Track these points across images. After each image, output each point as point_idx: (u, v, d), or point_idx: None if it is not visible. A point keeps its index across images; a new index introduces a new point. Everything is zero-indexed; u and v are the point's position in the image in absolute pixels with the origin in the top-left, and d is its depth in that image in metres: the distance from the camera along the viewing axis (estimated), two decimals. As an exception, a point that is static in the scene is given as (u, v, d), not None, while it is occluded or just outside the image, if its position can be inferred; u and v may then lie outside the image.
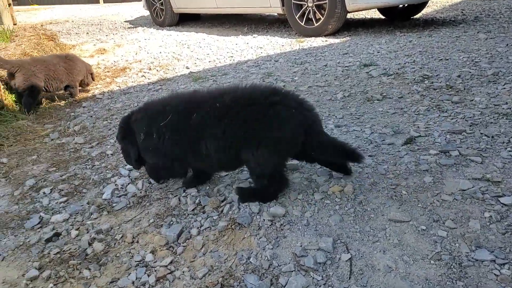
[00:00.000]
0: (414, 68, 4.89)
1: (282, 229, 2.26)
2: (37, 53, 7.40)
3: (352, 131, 3.43)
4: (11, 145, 4.31)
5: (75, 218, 2.74)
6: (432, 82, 4.29)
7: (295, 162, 2.88)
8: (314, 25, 8.17)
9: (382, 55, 5.95)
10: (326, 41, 7.68)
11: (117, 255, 2.32)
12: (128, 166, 3.33)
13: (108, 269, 2.22)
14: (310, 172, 2.83)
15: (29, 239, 2.58)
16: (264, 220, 2.33)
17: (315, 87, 4.77)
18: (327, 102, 4.19)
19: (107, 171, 3.36)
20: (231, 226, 2.36)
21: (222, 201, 2.63)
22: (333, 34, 8.22)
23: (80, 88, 5.94)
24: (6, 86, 5.29)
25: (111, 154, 3.69)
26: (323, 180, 2.67)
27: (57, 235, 2.59)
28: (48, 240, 2.54)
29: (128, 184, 3.04)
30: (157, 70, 6.89)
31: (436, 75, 4.51)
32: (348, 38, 7.76)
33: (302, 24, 8.35)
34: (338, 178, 2.68)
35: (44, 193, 3.15)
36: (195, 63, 7.07)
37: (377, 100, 4.05)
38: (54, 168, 3.57)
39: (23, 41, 8.31)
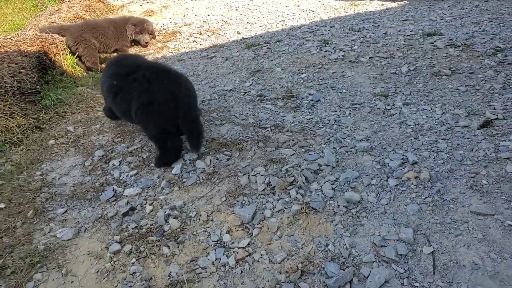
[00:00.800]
0: (484, 38, 4.62)
1: (358, 217, 2.27)
2: (89, 16, 7.49)
3: (422, 110, 3.33)
4: (75, 113, 4.48)
5: (147, 193, 2.85)
6: (506, 56, 4.05)
7: (365, 144, 2.84)
8: (370, -14, 7.77)
9: (447, 22, 5.63)
10: (382, 4, 7.32)
11: (194, 233, 2.42)
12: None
13: (186, 247, 2.33)
14: (381, 156, 2.79)
15: (106, 211, 2.72)
16: (338, 206, 2.35)
17: (377, 58, 4.61)
18: (391, 76, 4.05)
19: (173, 145, 3.43)
20: (305, 210, 2.39)
21: (291, 183, 2.65)
22: (390, -4, 7.80)
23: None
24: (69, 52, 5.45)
25: None
26: (397, 164, 2.64)
27: (132, 209, 2.72)
28: (124, 214, 2.67)
29: (196, 159, 3.10)
30: (208, 35, 6.84)
31: (510, 47, 4.24)
32: (406, 1, 7.38)
33: (357, -15, 7.98)
34: (412, 164, 2.64)
35: (113, 164, 3.27)
36: (246, 28, 6.96)
37: (446, 75, 3.88)
38: (120, 139, 3.69)
39: (75, 2, 8.41)
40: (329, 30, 6.13)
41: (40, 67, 4.86)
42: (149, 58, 6.15)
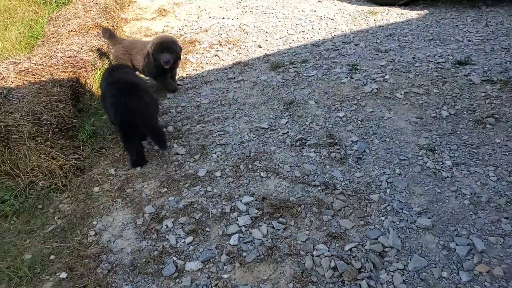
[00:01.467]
0: (520, 73, 4.45)
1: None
2: (107, 23, 7.13)
3: (474, 172, 3.23)
4: (111, 148, 4.30)
5: (209, 269, 2.76)
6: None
7: (425, 221, 2.75)
8: (388, -8, 7.49)
9: (475, 45, 5.44)
10: (402, 14, 7.06)
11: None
12: (244, 199, 3.29)
13: None
14: (445, 237, 2.70)
15: (172, 291, 2.62)
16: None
17: (412, 94, 4.45)
18: (432, 121, 3.92)
19: (223, 203, 3.32)
20: (381, 309, 2.31)
21: (359, 270, 2.56)
22: (407, 4, 7.53)
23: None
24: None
25: (220, 177, 3.62)
26: (465, 252, 2.55)
27: (198, 290, 2.62)
28: (191, 296, 2.57)
29: (251, 227, 2.99)
30: (229, 48, 6.58)
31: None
32: (426, 11, 7.12)
33: (374, -10, 7.68)
34: (480, 252, 2.55)
35: (167, 226, 3.16)
36: (266, 40, 6.70)
37: (490, 124, 3.76)
38: (166, 189, 3.56)
39: (91, 5, 7.99)
40: (354, 49, 5.91)
41: (74, 96, 4.63)
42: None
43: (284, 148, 3.93)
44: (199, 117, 4.64)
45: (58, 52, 5.22)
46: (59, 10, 7.99)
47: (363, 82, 4.89)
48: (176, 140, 4.27)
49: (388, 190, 3.28)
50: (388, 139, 3.90)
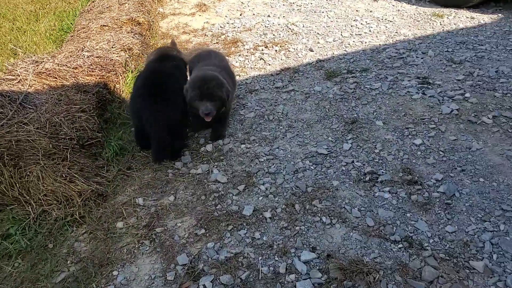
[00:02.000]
0: None
1: None
2: (143, 18, 6.45)
3: None
4: (140, 169, 3.60)
5: None
6: None
7: None
8: (455, -7, 6.49)
9: None
10: (472, 18, 6.07)
11: None
12: (304, 256, 2.50)
13: None
14: None
15: None
16: None
17: (503, 119, 3.66)
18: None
19: (276, 258, 2.56)
20: None
21: None
22: (477, 6, 6.51)
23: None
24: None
25: (270, 219, 2.84)
26: None
27: None
28: None
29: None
30: (276, 51, 5.78)
31: None
32: (500, 15, 6.11)
33: (439, -11, 6.70)
34: None
35: (204, 286, 2.39)
36: (318, 43, 5.85)
37: None
38: (204, 230, 2.82)
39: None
40: (422, 58, 4.99)
41: (100, 104, 3.94)
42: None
43: (349, 183, 3.11)
44: (243, 135, 3.88)
45: (86, 51, 4.56)
46: (93, 1, 7.39)
47: (438, 100, 4.00)
48: (216, 164, 3.53)
49: (495, 256, 2.43)
50: (481, 179, 3.02)
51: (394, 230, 2.66)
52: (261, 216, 2.90)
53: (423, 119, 3.76)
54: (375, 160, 3.31)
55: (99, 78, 4.11)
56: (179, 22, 7.53)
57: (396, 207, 2.82)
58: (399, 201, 2.88)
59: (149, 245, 2.80)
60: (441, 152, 3.30)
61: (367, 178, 3.11)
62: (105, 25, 6.02)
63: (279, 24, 6.84)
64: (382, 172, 3.15)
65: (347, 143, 3.58)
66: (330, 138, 3.70)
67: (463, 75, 4.42)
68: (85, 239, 2.92)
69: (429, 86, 4.27)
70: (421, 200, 2.85)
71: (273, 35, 6.42)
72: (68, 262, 2.73)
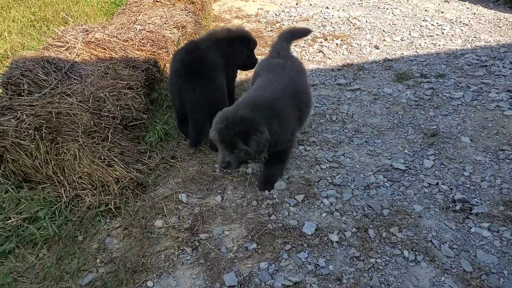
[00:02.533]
0: None
1: None
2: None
3: None
4: (185, 159, 3.10)
5: None
6: None
7: None
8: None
9: None
10: None
11: None
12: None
13: None
14: None
15: None
16: None
17: None
18: None
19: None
20: None
21: None
22: None
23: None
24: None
25: (337, 243, 2.28)
26: None
27: None
28: None
29: None
30: (337, 45, 5.16)
31: None
32: None
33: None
34: None
35: None
36: (384, 40, 5.19)
37: None
38: (256, 245, 2.31)
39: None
40: (511, 68, 4.23)
41: (148, 82, 3.45)
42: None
43: (435, 210, 2.50)
44: (301, 135, 3.32)
45: (138, 24, 4.09)
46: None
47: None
48: (271, 165, 2.97)
49: None
50: None
51: (501, 283, 2.03)
52: (325, 238, 2.34)
53: (520, 141, 3.07)
54: (466, 185, 2.68)
55: (150, 54, 3.63)
56: (232, 6, 7.01)
57: (500, 251, 2.20)
58: (504, 243, 2.25)
59: (191, 254, 2.30)
60: (549, 186, 2.62)
61: (458, 207, 2.50)
62: (158, 1, 5.55)
63: (339, 17, 6.20)
64: (477, 202, 2.53)
65: (428, 159, 2.95)
66: (406, 151, 3.08)
67: None
68: (119, 234, 2.45)
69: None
70: (531, 245, 2.21)
71: (333, 27, 5.80)
72: (98, 260, 2.27)
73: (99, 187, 2.70)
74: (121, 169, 2.80)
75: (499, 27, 5.50)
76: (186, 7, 5.07)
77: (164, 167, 3.04)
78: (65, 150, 2.75)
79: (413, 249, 2.26)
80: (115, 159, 2.85)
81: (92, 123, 2.89)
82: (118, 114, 3.05)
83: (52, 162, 2.71)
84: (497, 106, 3.57)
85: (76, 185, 2.68)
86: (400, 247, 2.27)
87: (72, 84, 3.15)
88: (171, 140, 3.30)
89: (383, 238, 2.34)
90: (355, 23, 5.84)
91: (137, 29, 3.78)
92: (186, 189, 2.81)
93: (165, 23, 4.32)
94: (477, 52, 4.75)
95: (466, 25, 5.66)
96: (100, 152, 2.83)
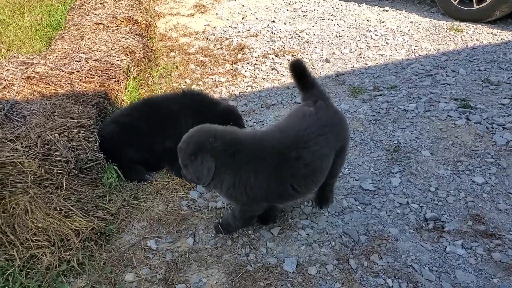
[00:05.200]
0: None
1: None
2: (142, 16, 5.71)
3: None
4: (148, 199, 2.91)
5: None
6: None
7: None
8: (473, 7, 6.06)
9: None
10: (494, 35, 5.67)
11: None
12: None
13: None
14: None
15: None
16: None
17: None
18: None
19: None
20: None
21: None
22: (494, 21, 6.10)
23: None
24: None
25: (321, 279, 2.22)
26: None
27: None
28: None
29: None
30: (288, 60, 5.15)
31: None
32: (523, 32, 5.66)
33: (455, 2, 6.24)
34: None
35: None
36: (334, 53, 5.29)
37: None
38: None
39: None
40: (453, 76, 4.50)
41: (100, 117, 3.22)
42: (222, 93, 4.52)
43: (410, 232, 2.53)
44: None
45: (82, 52, 3.81)
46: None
47: (487, 127, 3.47)
48: (241, 197, 2.85)
49: None
50: None
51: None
52: (307, 274, 2.27)
53: (476, 150, 3.22)
54: (434, 202, 2.74)
55: (99, 86, 3.40)
56: (178, 23, 6.84)
57: (476, 269, 2.25)
58: (478, 259, 2.30)
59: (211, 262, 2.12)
60: (510, 195, 2.74)
61: (430, 226, 2.54)
62: (100, 23, 5.27)
63: (286, 31, 6.24)
64: (447, 219, 2.59)
65: (395, 177, 3.00)
66: (372, 170, 3.10)
67: (506, 98, 3.89)
68: (86, 298, 2.21)
69: (471, 111, 3.75)
70: (506, 260, 2.27)
71: (282, 42, 5.82)
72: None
73: (57, 243, 2.45)
74: (80, 219, 2.57)
75: (436, 35, 5.79)
76: (131, 29, 4.84)
77: (126, 210, 2.83)
78: (13, 205, 2.47)
79: (396, 277, 2.24)
80: (73, 208, 2.61)
81: (42, 171, 2.62)
82: (71, 157, 2.80)
83: (0, 219, 2.41)
84: (448, 116, 3.71)
85: (30, 244, 2.41)
86: (383, 276, 2.25)
87: (14, 127, 2.85)
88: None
89: (365, 268, 2.31)
90: (303, 37, 5.89)
91: (83, 59, 3.50)
92: (154, 234, 2.63)
93: (111, 49, 4.08)
94: (421, 61, 4.95)
95: (407, 34, 5.90)
96: (55, 203, 2.58)
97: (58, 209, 2.55)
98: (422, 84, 4.41)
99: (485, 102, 3.94)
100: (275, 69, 4.96)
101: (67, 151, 2.81)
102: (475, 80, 4.41)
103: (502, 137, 3.37)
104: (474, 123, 3.61)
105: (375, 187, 2.92)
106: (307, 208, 2.77)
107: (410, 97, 4.14)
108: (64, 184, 2.67)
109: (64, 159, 2.78)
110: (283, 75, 4.81)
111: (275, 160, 2.08)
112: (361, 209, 2.74)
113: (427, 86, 4.36)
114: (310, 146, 2.10)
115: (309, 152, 2.11)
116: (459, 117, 3.70)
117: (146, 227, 2.69)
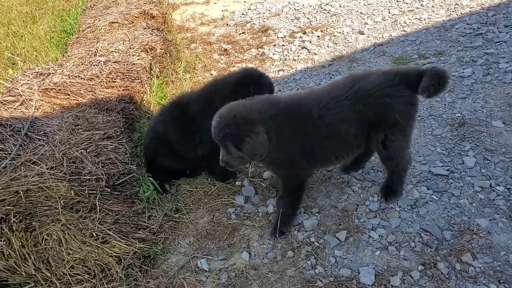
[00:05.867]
0: None
1: None
2: (156, 10, 5.29)
3: None
4: (191, 209, 2.54)
5: None
6: None
7: None
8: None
9: None
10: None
11: None
12: None
13: None
14: None
15: None
16: None
17: None
18: None
19: None
20: None
21: None
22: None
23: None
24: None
25: None
26: None
27: None
28: None
29: None
30: (318, 37, 4.66)
31: None
32: None
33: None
34: None
35: None
36: (365, 23, 4.75)
37: None
38: None
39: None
40: (508, 32, 3.94)
41: (128, 124, 2.86)
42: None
43: (503, 221, 2.07)
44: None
45: (100, 55, 3.45)
46: (96, -4, 6.22)
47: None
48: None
49: None
50: None
51: None
52: (390, 285, 1.83)
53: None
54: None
55: (123, 90, 3.03)
56: (194, 12, 6.39)
57: None
58: None
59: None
60: None
61: None
62: (115, 22, 4.90)
63: (310, 6, 5.69)
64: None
65: (468, 155, 2.50)
66: (439, 150, 2.63)
67: None
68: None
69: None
70: None
71: (308, 18, 5.29)
72: None
73: (98, 274, 2.13)
74: (120, 243, 2.23)
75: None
76: (148, 24, 4.43)
77: (169, 225, 2.48)
78: (45, 237, 2.16)
79: (501, 281, 1.79)
80: (110, 232, 2.27)
81: (72, 193, 2.29)
82: (102, 174, 2.44)
83: (32, 256, 2.12)
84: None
85: (69, 279, 2.09)
86: (484, 281, 1.81)
87: (37, 147, 2.52)
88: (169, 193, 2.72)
89: (459, 272, 1.87)
90: (329, 10, 5.34)
91: (102, 62, 3.13)
92: (203, 251, 2.27)
93: (130, 48, 3.69)
94: (466, 20, 4.35)
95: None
96: (90, 228, 2.24)
97: (95, 235, 2.22)
98: (473, 45, 3.84)
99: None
100: (306, 48, 4.48)
101: (96, 168, 2.47)
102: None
103: None
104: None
105: (447, 170, 2.45)
106: (373, 205, 2.34)
107: (462, 61, 3.61)
108: (97, 206, 2.34)
109: (94, 177, 2.43)
110: (315, 53, 4.33)
111: (304, 119, 2.05)
112: (436, 198, 2.29)
113: (479, 47, 3.79)
114: (333, 108, 2.02)
115: (331, 113, 2.03)
116: (523, 77, 3.13)
117: (193, 243, 2.33)
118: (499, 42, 3.79)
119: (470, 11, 4.58)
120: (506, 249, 1.94)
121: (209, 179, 2.84)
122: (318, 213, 2.38)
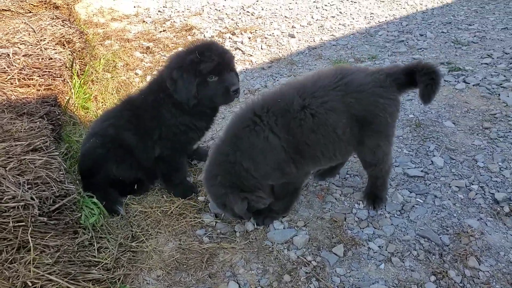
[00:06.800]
0: None
1: None
2: None
3: None
4: (150, 235, 2.02)
5: None
6: None
7: None
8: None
9: None
10: (434, -2, 5.40)
11: None
12: None
13: None
14: None
15: None
16: None
17: None
18: None
19: None
20: None
21: None
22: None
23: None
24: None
25: None
26: None
27: None
28: None
29: None
30: (249, 38, 4.40)
31: None
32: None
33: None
34: None
35: None
36: (294, 27, 4.65)
37: None
38: None
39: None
40: (424, 40, 4.22)
41: (55, 132, 2.16)
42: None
43: (489, 220, 2.04)
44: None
45: (1, 47, 2.59)
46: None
47: (488, 89, 3.12)
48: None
49: None
50: None
51: None
52: None
53: (494, 114, 2.81)
54: (493, 179, 2.26)
55: (44, 89, 2.28)
56: (102, 7, 5.57)
57: None
58: None
59: None
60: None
61: (507, 209, 2.03)
62: (6, 9, 3.89)
63: (232, 7, 5.38)
64: (516, 198, 2.09)
65: (435, 156, 2.45)
66: (406, 151, 2.54)
67: (485, 57, 3.60)
68: None
69: (463, 73, 3.36)
70: None
71: (232, 20, 4.97)
72: None
73: None
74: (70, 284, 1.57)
75: (382, 1, 5.39)
76: (55, 14, 3.58)
77: (127, 258, 1.90)
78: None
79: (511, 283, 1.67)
80: (52, 277, 1.61)
81: (-9, 231, 1.55)
82: (32, 198, 1.74)
83: None
84: (446, 81, 3.29)
85: None
86: (497, 286, 1.67)
87: None
88: (117, 216, 2.11)
89: (471, 279, 1.73)
90: (252, 13, 5.09)
91: (9, 55, 2.32)
92: (178, 286, 1.74)
93: (41, 40, 2.88)
94: (385, 28, 4.53)
95: (355, 2, 5.41)
96: (22, 275, 1.54)
97: (30, 284, 1.52)
98: (399, 51, 3.95)
99: (469, 63, 3.60)
100: (240, 49, 4.13)
101: (22, 191, 1.73)
102: (446, 42, 4.07)
103: (508, 96, 2.99)
104: (473, 85, 3.22)
105: (421, 171, 2.33)
106: (361, 212, 2.10)
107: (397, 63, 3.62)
108: (30, 241, 1.62)
109: (21, 203, 1.71)
110: (251, 55, 4.02)
111: (286, 113, 1.84)
112: (421, 201, 2.15)
113: (405, 52, 3.90)
114: (319, 97, 1.83)
115: (317, 102, 1.83)
116: (455, 81, 3.30)
117: (163, 277, 1.80)
118: (420, 48, 3.95)
119: (386, 20, 4.74)
120: (503, 248, 1.86)
121: (164, 195, 2.30)
122: (305, 227, 2.05)
